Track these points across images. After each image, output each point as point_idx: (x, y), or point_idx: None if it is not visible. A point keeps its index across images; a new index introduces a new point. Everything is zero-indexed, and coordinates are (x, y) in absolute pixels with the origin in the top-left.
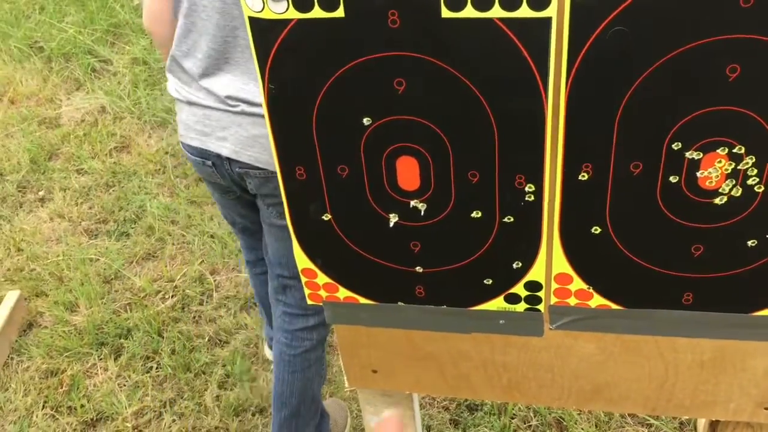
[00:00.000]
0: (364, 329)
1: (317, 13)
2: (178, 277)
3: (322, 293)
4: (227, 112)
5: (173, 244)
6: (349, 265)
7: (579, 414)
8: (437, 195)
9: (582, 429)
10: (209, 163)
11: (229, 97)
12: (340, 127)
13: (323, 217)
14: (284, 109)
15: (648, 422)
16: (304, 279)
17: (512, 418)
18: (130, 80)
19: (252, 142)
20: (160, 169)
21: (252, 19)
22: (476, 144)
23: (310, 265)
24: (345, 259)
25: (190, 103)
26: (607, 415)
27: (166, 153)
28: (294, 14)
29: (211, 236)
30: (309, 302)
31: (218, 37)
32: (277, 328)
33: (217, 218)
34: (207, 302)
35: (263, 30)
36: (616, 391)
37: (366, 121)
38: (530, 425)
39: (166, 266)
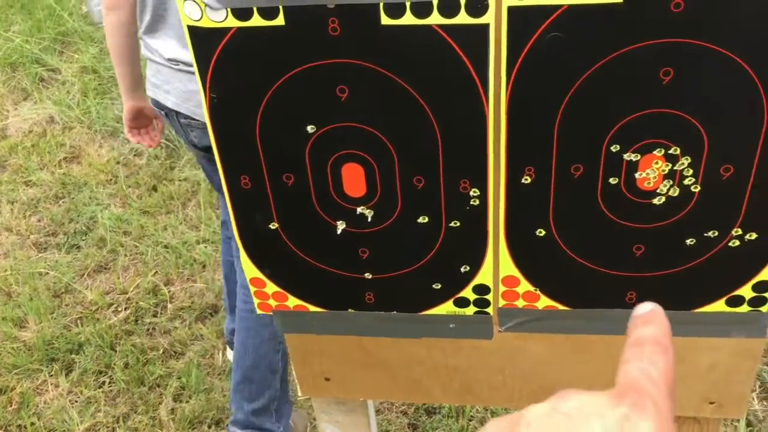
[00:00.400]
0: (315, 337)
1: (257, 21)
2: (131, 289)
3: (272, 302)
4: (170, 69)
5: (126, 255)
6: (298, 273)
7: None
8: (384, 201)
9: None
10: (164, 113)
11: (170, 59)
12: (284, 135)
13: (270, 226)
14: (227, 118)
15: None
16: (252, 289)
17: (470, 420)
18: (79, 89)
19: (190, 96)
20: (111, 180)
21: (191, 28)
22: (420, 150)
23: (259, 275)
24: (293, 268)
25: (149, 59)
26: None
27: (118, 163)
28: (233, 23)
29: (165, 246)
30: (258, 312)
31: None
32: (239, 284)
33: (171, 228)
34: (161, 314)
35: (202, 39)
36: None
37: (310, 128)
38: None
39: (118, 278)
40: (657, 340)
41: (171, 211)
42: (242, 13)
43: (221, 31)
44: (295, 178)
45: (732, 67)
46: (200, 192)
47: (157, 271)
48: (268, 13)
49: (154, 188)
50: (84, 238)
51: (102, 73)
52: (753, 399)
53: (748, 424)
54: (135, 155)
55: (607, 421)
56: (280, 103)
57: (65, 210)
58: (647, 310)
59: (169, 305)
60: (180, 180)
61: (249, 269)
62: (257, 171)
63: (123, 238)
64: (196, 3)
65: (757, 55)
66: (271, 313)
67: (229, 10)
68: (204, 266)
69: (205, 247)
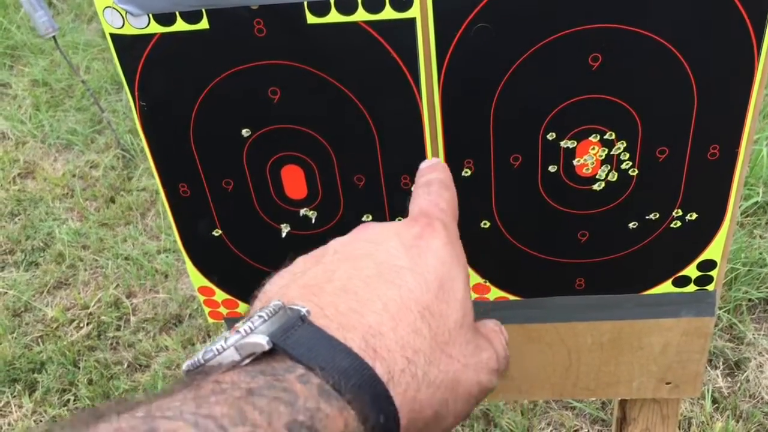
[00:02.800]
0: None
1: (180, 26)
2: (93, 303)
3: (222, 310)
4: None
5: (85, 269)
6: (246, 279)
7: (505, 404)
8: (326, 202)
9: (508, 418)
10: None
11: None
12: (219, 141)
13: (213, 233)
14: (159, 126)
15: (571, 405)
16: (201, 298)
17: None
18: (31, 103)
19: None
20: (67, 193)
21: (113, 36)
22: (358, 148)
23: (207, 283)
24: (241, 274)
25: None
26: (531, 403)
27: (74, 176)
28: (156, 29)
29: (126, 258)
30: (210, 320)
31: None
32: None
33: (131, 239)
34: (124, 327)
35: (126, 47)
36: (524, 380)
37: (245, 132)
38: None
39: (79, 293)
40: (442, 181)
41: (130, 222)
42: (165, 19)
43: (145, 38)
44: (235, 183)
45: (658, 50)
46: (159, 201)
47: (118, 284)
48: (192, 17)
49: (112, 200)
50: (42, 254)
51: (53, 85)
52: (717, 376)
53: (714, 401)
54: (91, 167)
55: (403, 238)
56: (212, 108)
57: (21, 227)
58: (432, 162)
59: (132, 318)
60: (138, 190)
61: (196, 278)
62: (195, 178)
63: (82, 252)
64: (117, 10)
65: (682, 37)
66: (223, 321)
67: (150, 15)
68: (166, 276)
69: (167, 256)
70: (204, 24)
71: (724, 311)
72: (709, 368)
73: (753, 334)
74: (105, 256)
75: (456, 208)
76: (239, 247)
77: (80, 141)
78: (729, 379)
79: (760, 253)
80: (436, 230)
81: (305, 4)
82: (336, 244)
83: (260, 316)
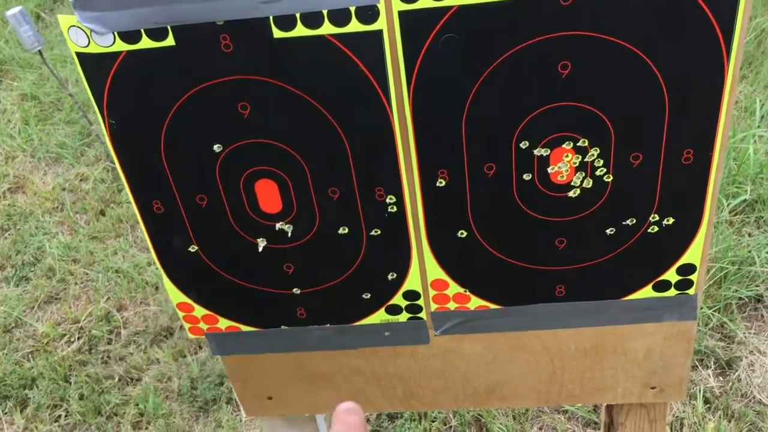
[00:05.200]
0: (252, 357)
1: (146, 43)
2: (84, 317)
3: (202, 326)
4: None
5: (76, 283)
6: (225, 294)
7: (497, 410)
8: (301, 215)
9: (501, 423)
10: None
11: None
12: (191, 157)
13: (190, 249)
14: (130, 143)
15: (563, 408)
16: (181, 314)
17: (432, 422)
18: (20, 117)
19: None
20: (57, 207)
21: (80, 55)
22: (331, 161)
23: (185, 299)
24: (220, 289)
25: None
26: (524, 407)
27: (64, 189)
28: (122, 46)
29: (116, 271)
30: (191, 336)
31: None
32: None
33: (121, 252)
34: (115, 341)
35: (93, 65)
36: (508, 388)
37: (217, 148)
38: (450, 426)
39: (69, 308)
40: (357, 426)
41: (120, 234)
42: (130, 36)
43: (111, 56)
44: (209, 199)
45: (627, 56)
46: None
47: (109, 297)
48: (157, 34)
49: (102, 212)
50: (32, 269)
51: (42, 99)
52: (709, 376)
53: (706, 401)
54: (81, 180)
55: None
56: (183, 125)
57: (12, 242)
58: (349, 405)
59: (123, 331)
60: (128, 202)
61: (174, 294)
62: (168, 195)
63: (72, 266)
64: (82, 29)
65: (651, 43)
66: (204, 337)
67: (115, 33)
68: (156, 288)
69: (157, 268)
70: (170, 41)
71: (714, 310)
72: (700, 368)
73: (744, 333)
74: (95, 269)
75: None
76: (216, 263)
77: (70, 154)
78: (720, 379)
79: (749, 251)
80: None
81: (271, 18)
82: None
83: None
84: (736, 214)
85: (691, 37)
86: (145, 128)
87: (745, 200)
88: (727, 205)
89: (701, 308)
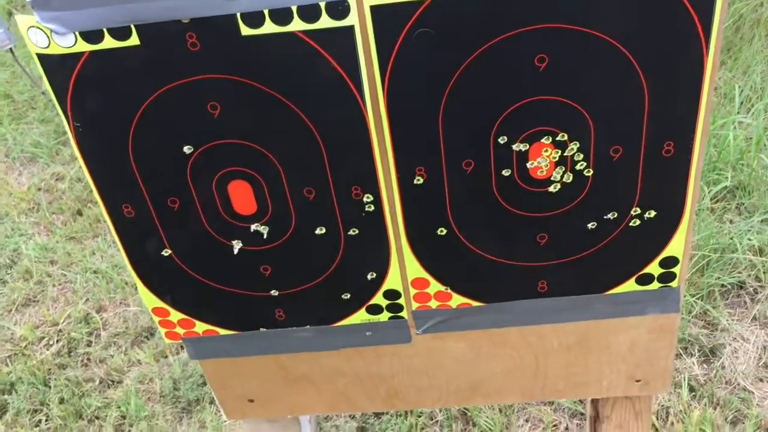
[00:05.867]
0: (231, 360)
1: (110, 43)
2: (62, 320)
3: (179, 330)
4: None
5: (54, 285)
6: (201, 297)
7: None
8: (277, 216)
9: (487, 417)
10: None
11: None
12: (160, 159)
13: (163, 253)
14: (96, 146)
15: (549, 400)
16: (156, 318)
17: (419, 416)
18: None
19: None
20: (33, 208)
21: (40, 56)
22: (305, 160)
23: (160, 304)
24: (195, 293)
25: None
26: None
27: (39, 189)
28: (84, 47)
29: (95, 272)
30: (167, 341)
31: None
32: None
33: (99, 252)
34: (95, 342)
35: (55, 66)
36: (492, 385)
37: (187, 149)
38: (437, 421)
39: (48, 310)
40: None
41: (98, 234)
42: (92, 36)
43: (73, 57)
44: (181, 202)
45: (606, 49)
46: None
47: (87, 299)
48: (120, 33)
49: (79, 212)
50: (9, 271)
51: (16, 97)
52: (693, 364)
53: (691, 389)
54: (57, 180)
55: None
56: (151, 126)
57: None
58: None
59: (103, 333)
60: None
61: (149, 299)
62: (139, 198)
63: (50, 267)
64: (41, 29)
65: (630, 35)
66: (181, 341)
67: (77, 33)
68: (136, 288)
69: None
70: (134, 40)
71: (698, 298)
72: (684, 356)
73: (727, 320)
74: (73, 270)
75: None
76: (191, 266)
77: (45, 153)
78: (705, 366)
79: (731, 238)
80: None
81: (239, 15)
82: None
83: None
84: (717, 201)
85: (670, 28)
86: (112, 130)
87: (725, 187)
88: (708, 192)
89: (684, 296)
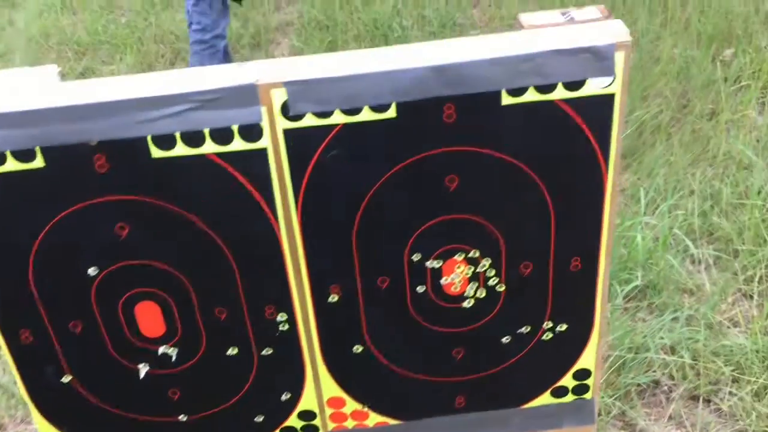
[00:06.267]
0: None
1: (12, 165)
2: None
3: None
4: None
5: None
6: (102, 426)
7: None
8: (187, 337)
9: None
10: None
11: None
12: (63, 281)
13: (63, 380)
14: None
15: None
16: None
17: None
18: None
19: None
20: None
21: None
22: (217, 280)
23: None
24: (96, 421)
25: None
26: None
27: None
28: None
29: None
30: None
31: None
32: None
33: (2, 363)
34: None
35: None
36: None
37: (92, 271)
38: None
39: None
40: None
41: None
42: None
43: None
44: (84, 325)
45: (511, 170)
46: None
47: None
48: (24, 155)
49: None
50: None
51: None
52: None
53: None
54: None
55: None
56: (54, 248)
57: None
58: None
59: None
60: None
61: (45, 429)
62: (38, 323)
63: None
64: None
65: (535, 159)
66: None
67: None
68: None
69: None
70: (39, 162)
71: (615, 398)
72: None
73: (644, 420)
74: None
75: None
76: (93, 393)
77: None
78: None
79: (644, 337)
80: None
81: (149, 138)
82: None
83: None
84: (629, 300)
85: (569, 150)
86: (12, 253)
87: (636, 286)
88: (621, 292)
89: (602, 397)
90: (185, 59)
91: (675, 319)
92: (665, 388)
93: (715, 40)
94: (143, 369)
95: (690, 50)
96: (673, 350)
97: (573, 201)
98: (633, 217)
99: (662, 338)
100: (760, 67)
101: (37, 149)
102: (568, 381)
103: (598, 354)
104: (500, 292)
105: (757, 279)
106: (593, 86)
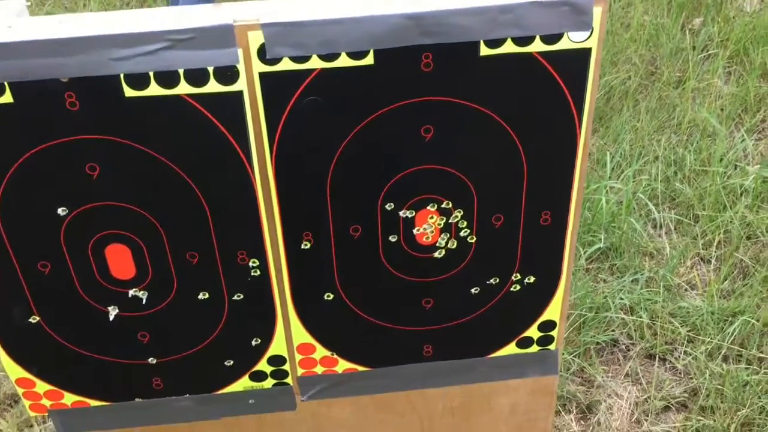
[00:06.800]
0: None
1: None
2: None
3: (45, 402)
4: None
5: None
6: (71, 367)
7: None
8: (157, 281)
9: None
10: None
11: None
12: (32, 221)
13: (30, 320)
14: None
15: None
16: (20, 390)
17: None
18: None
19: None
20: None
21: None
22: (189, 224)
23: (25, 374)
24: (65, 363)
25: None
26: None
27: None
28: None
29: None
30: (31, 413)
31: None
32: None
33: None
34: None
35: None
36: None
37: (61, 211)
38: None
39: None
40: None
41: None
42: None
43: None
44: (52, 266)
45: (486, 122)
46: None
47: None
48: None
49: None
50: None
51: None
52: (571, 421)
53: None
54: None
55: None
56: (22, 187)
57: None
58: None
59: None
60: None
61: (13, 370)
62: (5, 261)
63: None
64: None
65: (509, 110)
66: (47, 415)
67: None
68: None
69: None
70: (7, 98)
71: (575, 355)
72: (563, 413)
73: (602, 377)
74: None
75: None
76: (61, 334)
77: None
78: (582, 423)
79: (605, 297)
80: None
81: (122, 76)
82: None
83: None
84: (592, 262)
85: (546, 106)
86: None
87: (599, 248)
88: (584, 253)
89: (563, 354)
90: (152, 7)
91: (635, 280)
92: (623, 346)
93: (685, 9)
94: (113, 311)
95: (660, 18)
96: (632, 310)
97: (546, 155)
98: (598, 180)
99: (622, 299)
100: (727, 37)
101: (6, 84)
102: (533, 332)
103: (564, 306)
104: (471, 243)
105: (715, 244)
106: (571, 40)
